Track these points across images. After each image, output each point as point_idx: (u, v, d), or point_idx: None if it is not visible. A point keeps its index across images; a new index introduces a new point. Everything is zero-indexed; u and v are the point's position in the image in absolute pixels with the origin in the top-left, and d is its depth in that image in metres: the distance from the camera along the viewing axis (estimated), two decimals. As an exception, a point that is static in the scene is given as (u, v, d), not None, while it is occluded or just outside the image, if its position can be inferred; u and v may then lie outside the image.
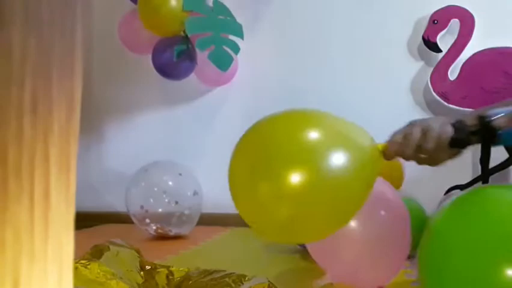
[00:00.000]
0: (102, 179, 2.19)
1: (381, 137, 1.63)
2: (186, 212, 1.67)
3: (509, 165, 1.64)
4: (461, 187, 1.60)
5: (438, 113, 1.79)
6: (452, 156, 0.77)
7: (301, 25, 1.96)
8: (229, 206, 2.33)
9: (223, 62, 1.80)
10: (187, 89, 2.05)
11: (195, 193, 1.72)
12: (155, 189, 1.66)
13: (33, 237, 0.21)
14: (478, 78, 1.66)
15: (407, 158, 0.74)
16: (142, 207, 1.65)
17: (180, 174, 1.72)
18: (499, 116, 0.70)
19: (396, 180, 1.29)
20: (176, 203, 1.65)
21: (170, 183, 1.68)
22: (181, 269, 0.94)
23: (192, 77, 1.93)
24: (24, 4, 0.21)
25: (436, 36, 1.72)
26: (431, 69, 1.74)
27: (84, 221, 1.94)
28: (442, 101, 1.71)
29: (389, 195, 0.94)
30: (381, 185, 0.92)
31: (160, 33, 1.83)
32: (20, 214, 0.21)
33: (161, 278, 0.92)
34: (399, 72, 1.83)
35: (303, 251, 1.40)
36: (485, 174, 1.74)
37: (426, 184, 1.65)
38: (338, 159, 0.65)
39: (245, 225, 2.23)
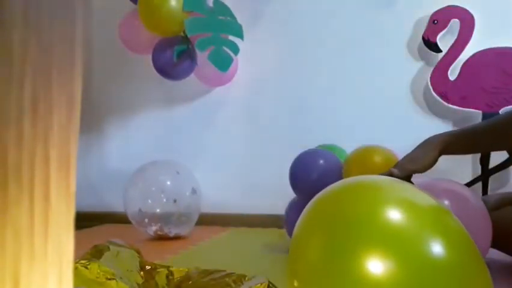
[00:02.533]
0: (102, 179, 2.19)
1: (381, 137, 1.64)
2: (185, 210, 1.67)
3: (509, 165, 1.64)
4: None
5: (438, 113, 1.79)
6: None
7: (300, 25, 1.96)
8: (229, 206, 2.33)
9: (223, 62, 1.80)
10: (187, 89, 2.05)
11: (193, 191, 1.71)
12: (153, 188, 1.65)
13: (33, 237, 0.21)
14: (478, 78, 1.66)
15: None
16: (140, 210, 1.64)
17: (178, 173, 1.72)
18: None
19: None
20: (175, 201, 1.64)
21: (168, 182, 1.68)
22: (181, 269, 0.94)
23: (192, 77, 1.93)
24: (24, 4, 0.21)
25: (436, 36, 1.72)
26: (431, 69, 1.74)
27: (84, 221, 1.95)
28: (442, 101, 1.71)
29: (469, 197, 1.03)
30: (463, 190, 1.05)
31: (160, 33, 1.83)
32: (19, 214, 0.21)
33: (161, 278, 0.92)
34: (399, 72, 1.84)
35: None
36: (485, 174, 1.74)
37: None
38: (432, 249, 0.47)
39: (245, 225, 2.22)
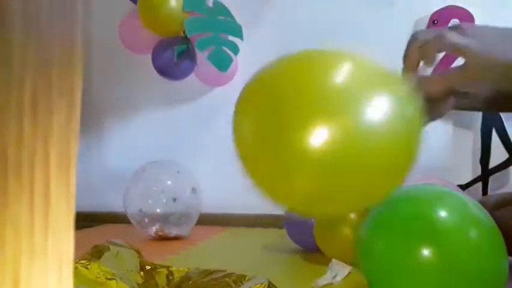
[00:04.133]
0: (102, 179, 2.19)
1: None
2: (185, 210, 1.67)
3: (509, 165, 1.64)
4: (461, 187, 1.60)
5: (438, 113, 1.79)
6: None
7: (300, 25, 1.96)
8: (229, 206, 2.33)
9: (223, 62, 1.80)
10: (187, 89, 2.05)
11: (193, 191, 1.71)
12: (154, 188, 1.66)
13: (33, 237, 0.22)
14: (478, 78, 1.65)
15: None
16: (140, 210, 1.65)
17: (178, 172, 1.71)
18: None
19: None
20: (174, 200, 1.64)
21: (168, 182, 1.68)
22: (181, 269, 0.94)
23: (192, 77, 1.93)
24: (24, 4, 0.21)
25: (436, 36, 1.72)
26: (431, 69, 1.74)
27: (84, 221, 1.95)
28: (442, 101, 1.71)
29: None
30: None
31: (160, 33, 1.83)
32: (20, 214, 0.21)
33: (161, 278, 0.92)
34: (399, 72, 1.83)
35: (303, 251, 1.40)
36: (485, 174, 1.75)
37: (426, 184, 1.65)
38: (376, 108, 0.46)
39: (245, 225, 2.22)
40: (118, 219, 2.01)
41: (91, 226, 1.97)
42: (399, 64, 1.93)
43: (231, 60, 1.82)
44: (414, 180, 1.09)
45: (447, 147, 1.78)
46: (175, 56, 1.80)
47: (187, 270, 0.93)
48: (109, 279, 0.79)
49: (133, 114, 2.18)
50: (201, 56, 1.82)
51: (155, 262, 0.97)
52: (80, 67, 0.25)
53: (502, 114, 1.65)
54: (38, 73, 0.22)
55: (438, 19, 1.71)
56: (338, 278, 1.09)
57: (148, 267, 0.93)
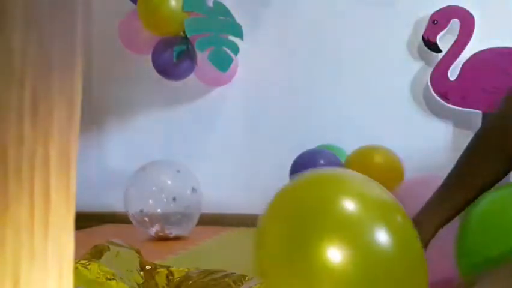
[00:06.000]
0: (102, 179, 2.19)
1: (381, 137, 1.63)
2: (185, 210, 1.67)
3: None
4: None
5: (438, 113, 1.79)
6: None
7: (300, 25, 1.96)
8: (229, 206, 2.32)
9: (223, 62, 1.80)
10: (187, 89, 2.05)
11: (193, 190, 1.71)
12: (154, 188, 1.65)
13: (33, 238, 0.21)
14: (478, 78, 1.66)
15: None
16: (141, 210, 1.64)
17: (178, 172, 1.71)
18: None
19: (395, 181, 1.29)
20: (174, 199, 1.64)
21: (168, 181, 1.68)
22: (181, 269, 0.94)
23: (192, 77, 1.93)
24: (24, 4, 0.21)
25: (436, 36, 1.72)
26: (431, 69, 1.74)
27: (84, 221, 1.94)
28: (442, 101, 1.71)
29: None
30: None
31: (160, 33, 1.83)
32: (20, 214, 0.21)
33: (161, 278, 0.92)
34: (399, 72, 1.83)
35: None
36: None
37: (426, 184, 1.65)
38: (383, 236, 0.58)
39: (245, 225, 2.23)
40: (118, 219, 2.01)
41: (91, 226, 1.96)
42: (399, 63, 1.92)
43: (231, 60, 1.82)
44: (414, 179, 1.09)
45: (447, 147, 1.78)
46: (174, 56, 1.80)
47: (187, 270, 0.93)
48: (109, 279, 0.79)
49: (133, 114, 2.18)
50: (201, 56, 1.82)
51: (155, 262, 0.97)
52: (80, 67, 0.25)
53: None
54: (38, 73, 0.21)
55: (438, 19, 1.71)
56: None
57: (148, 267, 0.93)
